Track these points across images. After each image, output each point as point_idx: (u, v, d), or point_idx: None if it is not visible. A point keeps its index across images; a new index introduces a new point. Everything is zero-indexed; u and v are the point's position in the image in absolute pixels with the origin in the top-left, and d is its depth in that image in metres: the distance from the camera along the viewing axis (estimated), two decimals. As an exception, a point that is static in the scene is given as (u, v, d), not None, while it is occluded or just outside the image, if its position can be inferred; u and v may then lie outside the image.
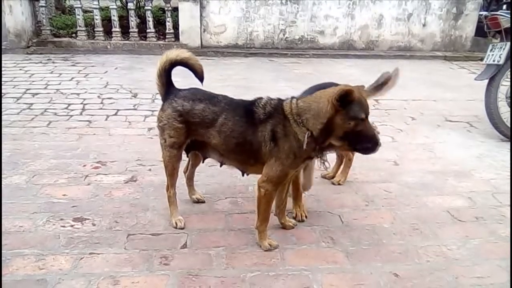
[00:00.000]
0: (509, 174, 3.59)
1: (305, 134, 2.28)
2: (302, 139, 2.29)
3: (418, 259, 2.49)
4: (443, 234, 2.74)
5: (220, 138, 2.49)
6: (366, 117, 2.28)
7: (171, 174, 2.70)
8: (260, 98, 2.51)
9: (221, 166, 2.71)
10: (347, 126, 2.23)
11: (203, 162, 2.86)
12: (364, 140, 2.29)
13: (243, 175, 2.69)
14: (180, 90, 2.64)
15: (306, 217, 2.84)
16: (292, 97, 2.44)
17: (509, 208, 3.05)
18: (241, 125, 2.44)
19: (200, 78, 2.73)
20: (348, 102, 2.19)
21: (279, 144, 2.35)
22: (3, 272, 2.23)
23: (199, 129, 2.53)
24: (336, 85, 2.45)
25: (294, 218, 2.82)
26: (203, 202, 3.01)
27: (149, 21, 7.96)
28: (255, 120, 2.41)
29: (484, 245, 2.65)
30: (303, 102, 2.34)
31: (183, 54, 2.63)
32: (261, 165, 2.46)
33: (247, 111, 2.46)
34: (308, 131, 2.28)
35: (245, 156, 2.51)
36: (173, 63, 2.61)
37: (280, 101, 2.45)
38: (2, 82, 5.59)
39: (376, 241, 2.65)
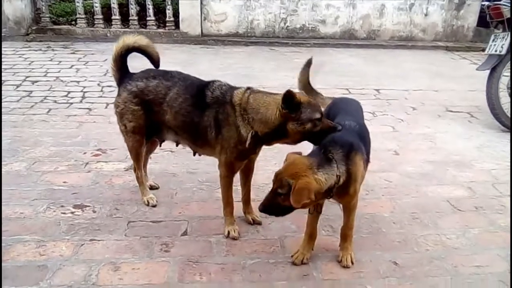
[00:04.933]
0: (509, 164, 3.59)
1: (249, 133, 2.25)
2: (245, 134, 2.26)
3: (417, 248, 2.50)
4: (442, 224, 2.75)
5: (171, 114, 2.47)
6: (322, 115, 2.20)
7: (137, 159, 2.73)
8: (214, 81, 2.46)
9: (177, 145, 2.70)
10: (304, 129, 2.16)
11: (160, 146, 2.85)
12: (324, 135, 2.18)
13: (194, 155, 2.68)
14: (133, 73, 2.63)
15: (259, 223, 2.67)
16: (247, 88, 2.36)
17: (509, 198, 3.05)
18: (190, 105, 2.42)
19: (156, 65, 2.74)
20: (296, 106, 2.12)
21: (222, 133, 2.32)
22: (4, 258, 2.24)
23: (154, 107, 2.51)
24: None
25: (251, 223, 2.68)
26: (157, 188, 2.99)
27: (149, 9, 7.90)
28: (203, 103, 2.37)
29: (483, 234, 2.65)
30: (254, 100, 2.26)
31: (141, 41, 2.63)
32: (210, 149, 2.46)
33: (198, 92, 2.42)
34: (253, 130, 2.24)
35: (194, 136, 2.49)
36: (130, 49, 2.61)
37: (231, 88, 2.40)
38: (2, 70, 5.56)
39: (375, 230, 2.66)
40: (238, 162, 2.41)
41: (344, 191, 2.13)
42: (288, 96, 2.09)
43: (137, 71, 2.65)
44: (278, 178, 2.00)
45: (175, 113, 2.46)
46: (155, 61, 2.72)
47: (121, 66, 2.64)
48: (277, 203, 2.02)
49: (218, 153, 2.41)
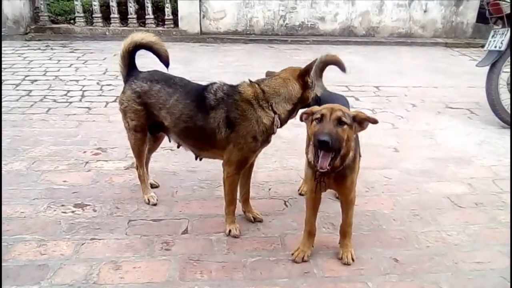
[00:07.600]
0: (509, 160, 3.59)
1: (275, 117, 2.34)
2: (268, 122, 2.33)
3: (418, 245, 2.50)
4: (443, 220, 2.75)
5: (172, 120, 2.48)
6: None
7: (138, 156, 2.74)
8: (213, 83, 2.48)
9: (178, 147, 2.69)
10: (313, 93, 2.43)
11: (170, 141, 2.80)
12: (314, 102, 2.43)
13: (196, 159, 2.67)
14: (140, 72, 2.63)
15: (261, 220, 2.68)
16: (250, 81, 2.43)
17: (509, 194, 3.05)
18: (191, 109, 2.43)
19: (165, 63, 2.72)
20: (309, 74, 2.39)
21: (238, 130, 2.33)
22: (5, 257, 2.24)
23: (155, 111, 2.53)
24: None
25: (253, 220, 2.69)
26: (157, 187, 3.00)
27: (148, 7, 7.88)
28: (205, 106, 2.39)
29: (484, 231, 2.65)
30: (268, 87, 2.36)
31: (149, 37, 2.62)
32: (217, 151, 2.46)
33: (198, 96, 2.44)
34: (276, 114, 2.33)
35: (198, 141, 2.50)
36: (137, 46, 2.60)
37: (232, 86, 2.44)
38: (1, 69, 5.56)
39: (376, 227, 2.66)
40: (252, 155, 2.44)
41: (342, 181, 2.16)
42: (313, 64, 2.38)
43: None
44: (337, 109, 2.02)
45: (176, 119, 2.47)
46: (163, 58, 2.69)
47: (129, 63, 2.64)
48: (338, 133, 1.99)
49: (229, 152, 2.40)
